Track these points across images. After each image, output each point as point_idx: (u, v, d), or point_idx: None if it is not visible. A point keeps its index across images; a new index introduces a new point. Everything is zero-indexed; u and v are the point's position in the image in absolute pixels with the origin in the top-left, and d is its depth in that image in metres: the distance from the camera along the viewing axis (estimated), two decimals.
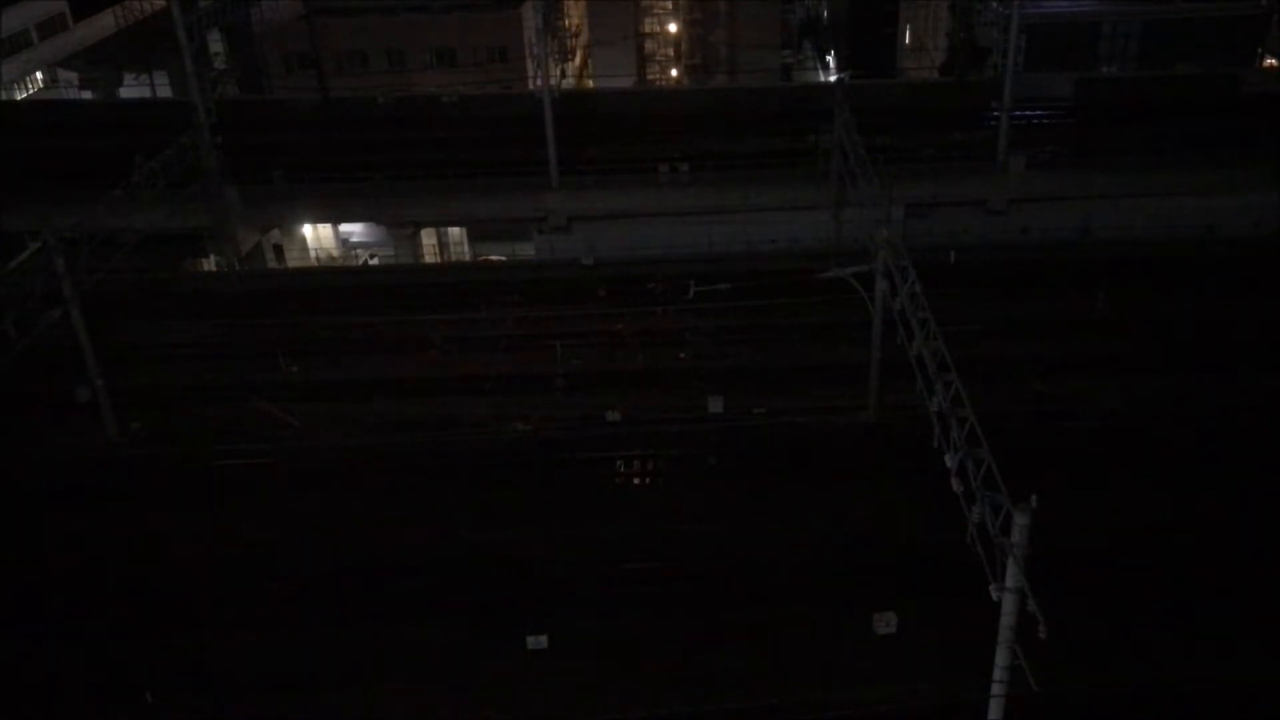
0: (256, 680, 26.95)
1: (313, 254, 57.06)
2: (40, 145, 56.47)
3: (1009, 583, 19.48)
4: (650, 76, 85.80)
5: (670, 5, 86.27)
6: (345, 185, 51.68)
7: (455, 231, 59.86)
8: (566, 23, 79.16)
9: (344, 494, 33.84)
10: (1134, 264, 46.49)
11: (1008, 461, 21.42)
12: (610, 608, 28.62)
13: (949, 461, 22.38)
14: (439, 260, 59.25)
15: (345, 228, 57.95)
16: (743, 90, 70.23)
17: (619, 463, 35.82)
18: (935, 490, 23.31)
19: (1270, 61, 65.68)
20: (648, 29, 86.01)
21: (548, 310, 44.74)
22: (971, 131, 54.64)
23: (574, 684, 26.44)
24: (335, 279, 51.69)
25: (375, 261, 57.42)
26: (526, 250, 53.74)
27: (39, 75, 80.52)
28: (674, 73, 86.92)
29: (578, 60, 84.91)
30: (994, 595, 19.78)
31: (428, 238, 58.53)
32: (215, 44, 66.80)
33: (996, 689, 20.83)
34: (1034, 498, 18.77)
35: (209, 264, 54.49)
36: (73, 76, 77.26)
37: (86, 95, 74.75)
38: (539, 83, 53.36)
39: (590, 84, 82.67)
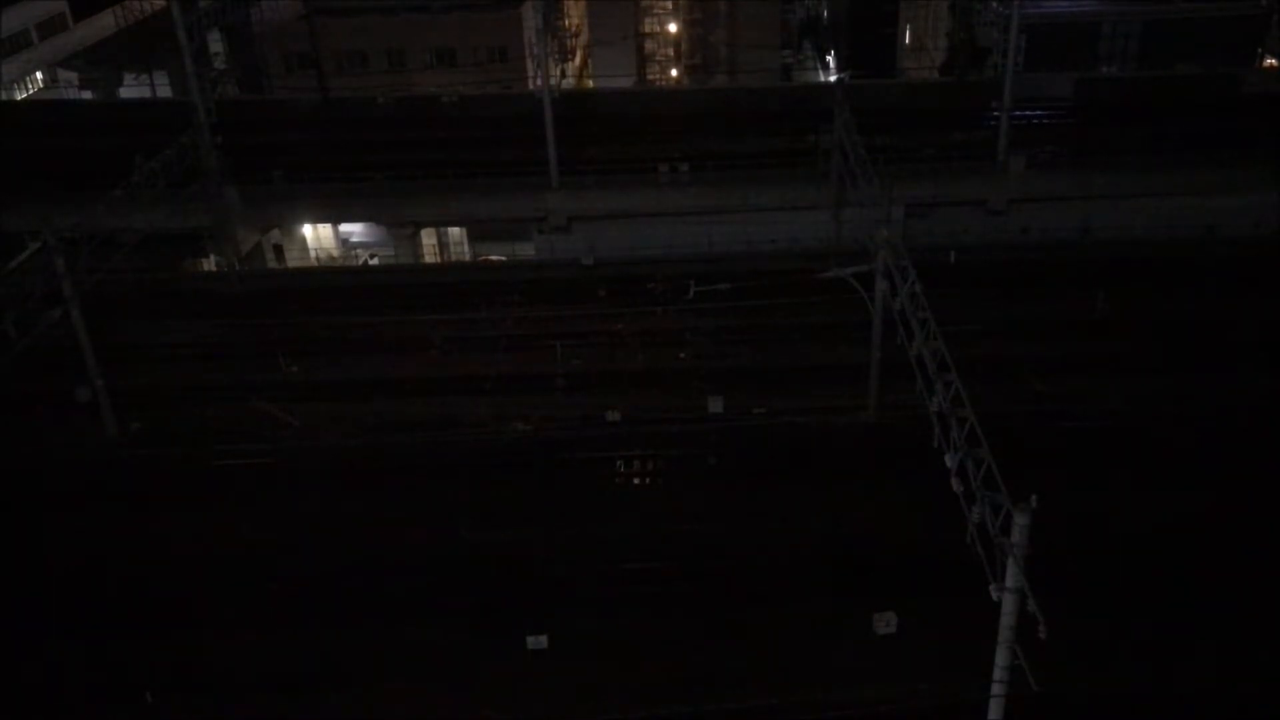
0: (256, 680, 26.95)
1: (313, 254, 57.06)
2: (40, 145, 56.46)
3: (1009, 583, 19.48)
4: (650, 76, 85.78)
5: (670, 5, 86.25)
6: (345, 185, 51.68)
7: (455, 231, 59.86)
8: (566, 23, 79.16)
9: (344, 494, 33.84)
10: (1134, 264, 46.51)
11: (1008, 461, 21.42)
12: (610, 608, 28.63)
13: (949, 461, 22.39)
14: (439, 260, 59.26)
15: (345, 228, 57.96)
16: (743, 90, 70.20)
17: (619, 463, 35.82)
18: (935, 490, 23.31)
19: (1270, 61, 65.68)
20: (648, 29, 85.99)
21: (548, 310, 44.74)
22: (971, 131, 54.63)
23: (574, 684, 26.44)
24: (335, 279, 51.70)
25: (375, 261, 57.43)
26: (526, 250, 53.74)
27: (39, 75, 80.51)
28: (674, 73, 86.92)
29: (578, 60, 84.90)
30: (994, 595, 19.79)
31: (428, 238, 58.52)
32: (215, 44, 66.78)
33: (996, 689, 20.84)
34: (1034, 498, 18.77)
35: (209, 264, 54.49)
36: (73, 76, 77.24)
37: (86, 95, 74.74)
38: (539, 83, 53.35)
39: (590, 84, 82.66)
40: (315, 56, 64.41)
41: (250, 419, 37.74)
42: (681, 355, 41.67)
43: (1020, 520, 18.79)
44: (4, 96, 73.00)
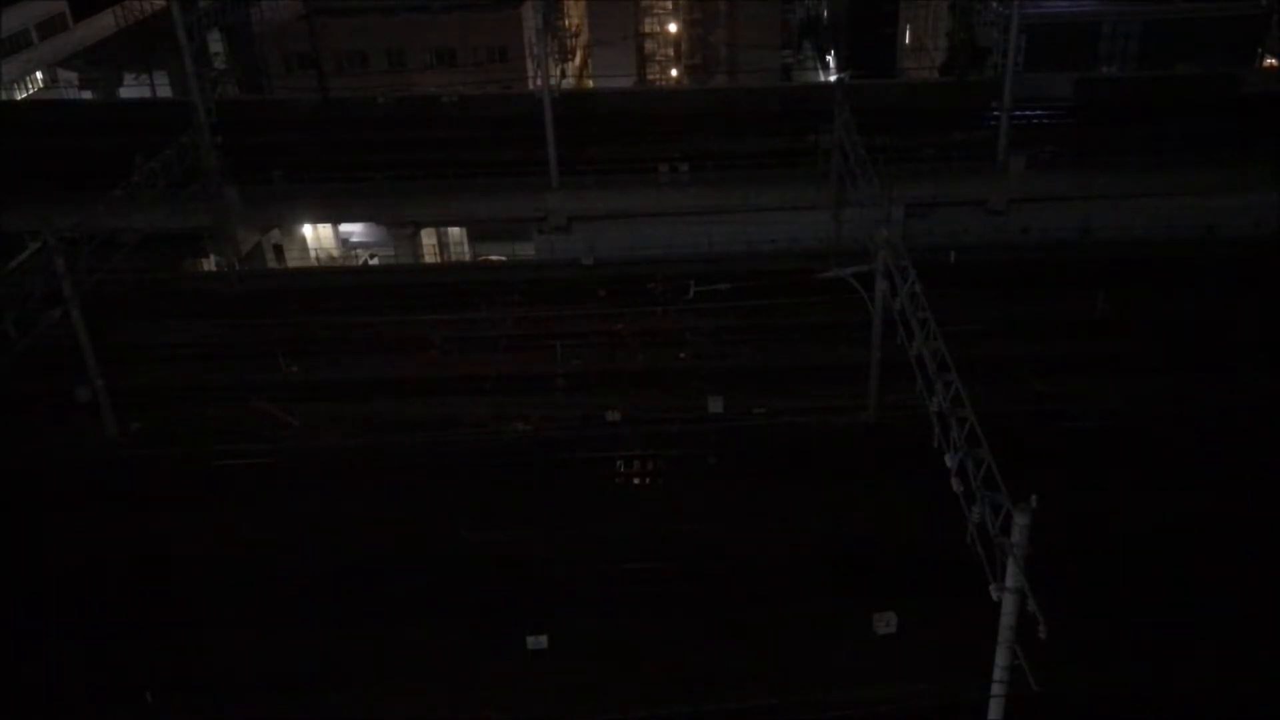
0: (256, 680, 26.95)
1: (313, 254, 57.06)
2: (40, 145, 56.46)
3: (1009, 583, 19.48)
4: (650, 76, 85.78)
5: (670, 5, 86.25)
6: (345, 185, 51.68)
7: (455, 231, 59.86)
8: (566, 23, 79.16)
9: (344, 494, 33.84)
10: (1134, 264, 46.51)
11: (1008, 461, 21.42)
12: (610, 608, 28.63)
13: (949, 461, 22.39)
14: (439, 260, 59.26)
15: (345, 228, 57.96)
16: (743, 90, 70.19)
17: (619, 463, 35.82)
18: (935, 490, 23.31)
19: (1270, 61, 65.68)
20: (648, 29, 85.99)
21: (548, 310, 44.75)
22: (971, 131, 54.64)
23: (574, 684, 26.44)
24: (335, 279, 51.71)
25: (375, 261, 57.43)
26: (526, 250, 53.74)
27: (39, 75, 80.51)
28: (674, 73, 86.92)
29: (578, 60, 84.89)
30: (994, 595, 19.79)
31: (428, 238, 58.52)
32: (215, 44, 66.79)
33: (996, 689, 20.84)
34: (1034, 498, 18.77)
35: (209, 264, 54.50)
36: (73, 76, 77.24)
37: (86, 95, 74.74)
38: (539, 83, 53.36)
39: (590, 84, 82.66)
40: (315, 56, 64.42)
41: (250, 419, 37.74)
42: (681, 355, 41.67)
43: (1020, 520, 18.80)
44: (4, 96, 73.00)
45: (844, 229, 47.85)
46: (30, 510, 33.01)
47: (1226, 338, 40.25)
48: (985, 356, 34.92)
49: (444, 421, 37.14)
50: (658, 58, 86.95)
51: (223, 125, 49.53)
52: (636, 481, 35.82)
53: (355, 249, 58.83)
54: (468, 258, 59.72)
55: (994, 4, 62.10)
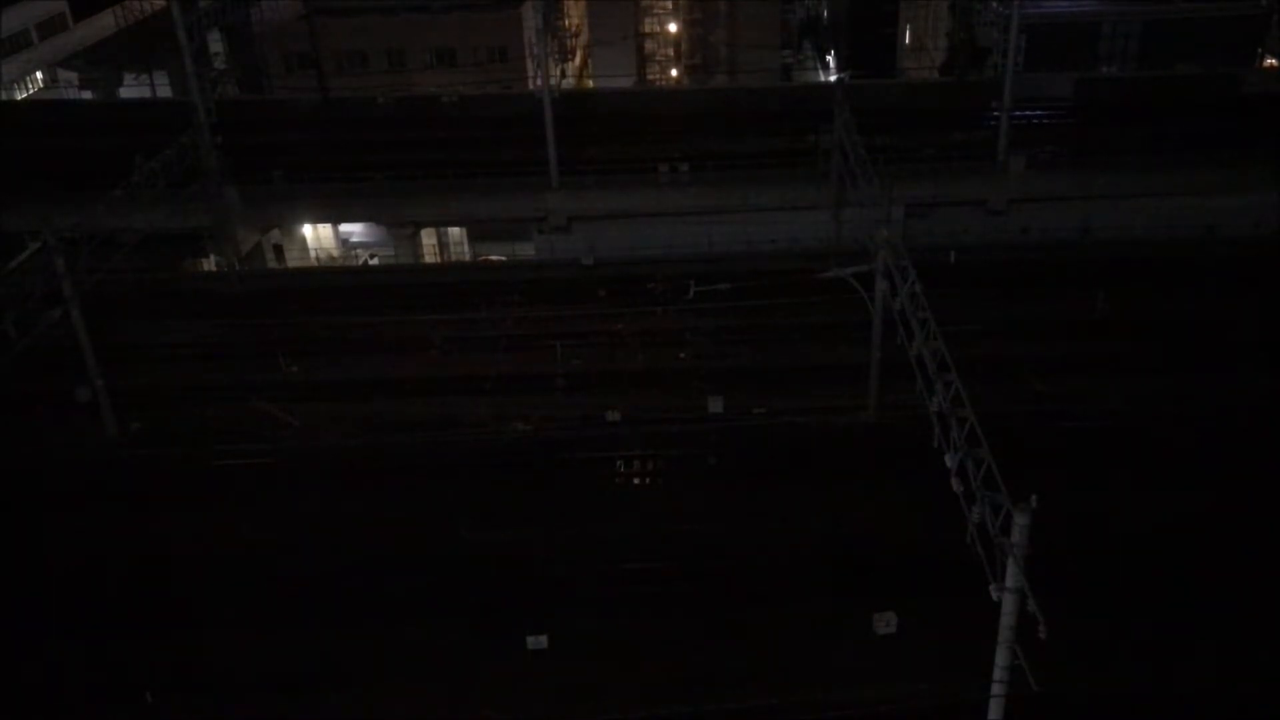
0: (256, 680, 26.95)
1: (313, 254, 57.07)
2: (40, 145, 56.46)
3: (1009, 583, 19.48)
4: (650, 76, 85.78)
5: (670, 5, 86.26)
6: (345, 185, 51.68)
7: (455, 231, 59.86)
8: (566, 23, 79.16)
9: (344, 494, 33.84)
10: (1134, 264, 46.51)
11: (1008, 461, 21.42)
12: (610, 608, 28.63)
13: (949, 461, 22.39)
14: (439, 260, 59.25)
15: (345, 228, 57.96)
16: (743, 90, 70.19)
17: (619, 463, 35.82)
18: (935, 490, 23.31)
19: (1270, 61, 65.68)
20: (648, 29, 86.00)
21: (548, 310, 44.75)
22: (971, 131, 54.63)
23: (574, 684, 26.44)
24: (335, 279, 51.71)
25: (375, 261, 57.43)
26: (526, 250, 53.74)
27: (39, 75, 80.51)
28: (674, 73, 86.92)
29: (578, 60, 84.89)
30: (994, 595, 19.79)
31: (428, 238, 58.52)
32: (215, 44, 66.81)
33: (996, 689, 20.84)
34: (1034, 498, 18.77)
35: (209, 264, 54.50)
36: (73, 76, 77.25)
37: (86, 95, 74.75)
38: (539, 83, 53.35)
39: (590, 84, 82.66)
40: (315, 56, 64.42)
41: (250, 419, 37.74)
42: (681, 355, 41.67)
43: (1020, 520, 18.80)
44: (4, 96, 73.00)
45: (844, 229, 47.86)
46: (30, 510, 33.01)
47: (1226, 338, 40.25)
48: (985, 356, 34.92)
49: (444, 421, 37.15)
50: (658, 58, 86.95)
51: (223, 125, 49.52)
52: (636, 481, 35.82)
53: (355, 249, 58.83)
54: (468, 258, 59.71)
55: (994, 4, 62.10)
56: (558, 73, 72.17)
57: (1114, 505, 31.10)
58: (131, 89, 73.35)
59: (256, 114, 61.75)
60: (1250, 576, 28.28)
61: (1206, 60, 60.24)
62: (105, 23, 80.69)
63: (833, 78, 79.02)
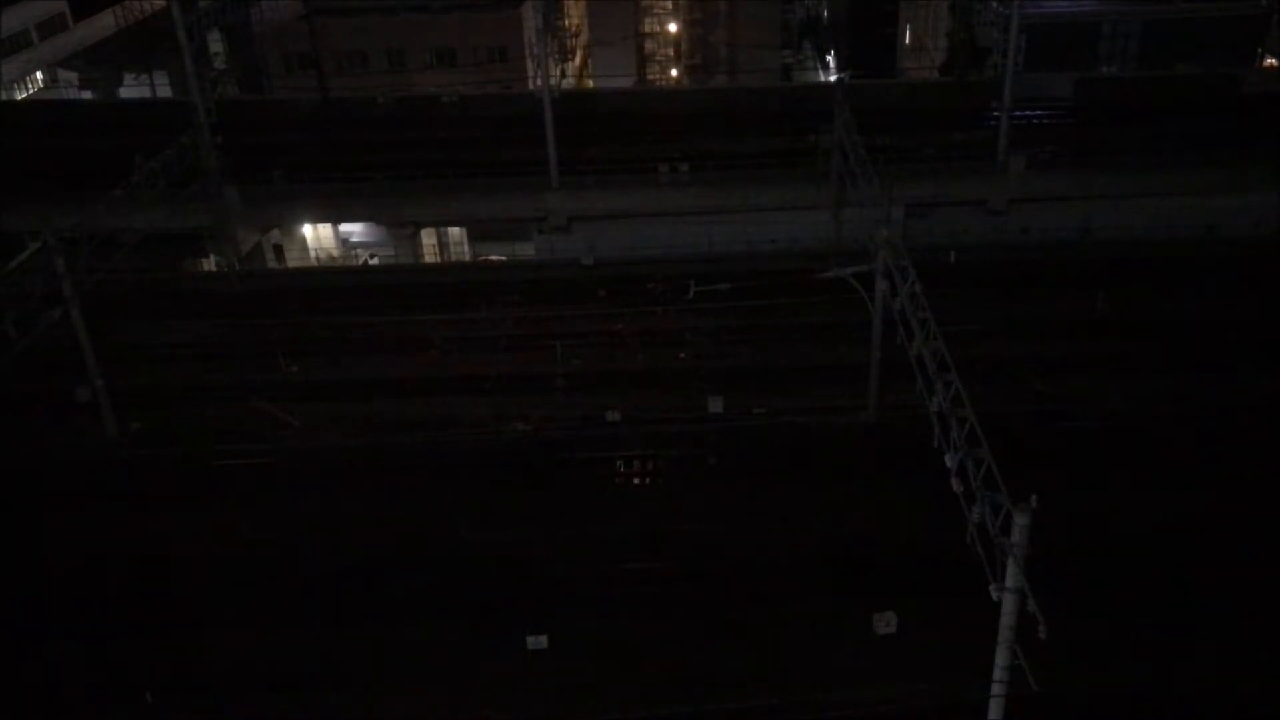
0: (256, 680, 26.95)
1: (313, 254, 57.07)
2: (40, 145, 56.46)
3: (1009, 583, 19.48)
4: (650, 76, 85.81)
5: (670, 5, 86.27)
6: (345, 185, 51.68)
7: (455, 231, 59.86)
8: (566, 23, 79.17)
9: (344, 494, 33.83)
10: (1134, 264, 46.51)
11: (1008, 461, 21.42)
12: (610, 608, 28.62)
13: (949, 461, 22.38)
14: (439, 260, 59.26)
15: (345, 228, 57.95)
16: (743, 90, 70.21)
17: (619, 463, 35.82)
18: (935, 490, 23.31)
19: (1270, 61, 65.68)
20: (648, 29, 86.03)
21: (548, 310, 44.75)
22: (971, 131, 54.63)
23: (574, 684, 26.45)
24: (335, 279, 51.71)
25: (375, 261, 57.43)
26: (526, 250, 53.74)
27: (39, 75, 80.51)
28: (674, 73, 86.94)
29: (578, 60, 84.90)
30: (994, 595, 19.79)
31: (428, 238, 58.52)
32: (215, 44, 66.81)
33: (996, 689, 20.84)
34: (1034, 498, 18.77)
35: (209, 264, 54.50)
36: (73, 76, 77.26)
37: (86, 95, 74.75)
38: (539, 83, 53.35)
39: (590, 84, 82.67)
40: (315, 56, 64.42)
41: (250, 419, 37.74)
42: (681, 355, 41.67)
43: (1020, 520, 18.79)
44: (4, 96, 73.00)
45: (844, 229, 47.85)
46: (30, 510, 33.01)
47: (1226, 338, 40.23)
48: (985, 356, 34.92)
49: (444, 421, 37.14)
50: (658, 58, 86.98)
51: (223, 125, 49.52)
52: (636, 481, 35.82)
53: (355, 249, 58.83)
54: (468, 258, 59.71)
55: (994, 4, 62.11)
56: (558, 73, 72.18)
57: (1114, 505, 31.10)
58: (131, 89, 73.35)
59: (256, 114, 61.75)
60: (1250, 576, 28.28)
61: (1206, 60, 60.23)
62: (105, 23, 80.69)
63: (833, 78, 79.02)
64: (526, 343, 42.25)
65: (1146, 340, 40.46)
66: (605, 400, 37.70)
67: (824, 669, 26.41)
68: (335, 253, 58.42)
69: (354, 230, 58.03)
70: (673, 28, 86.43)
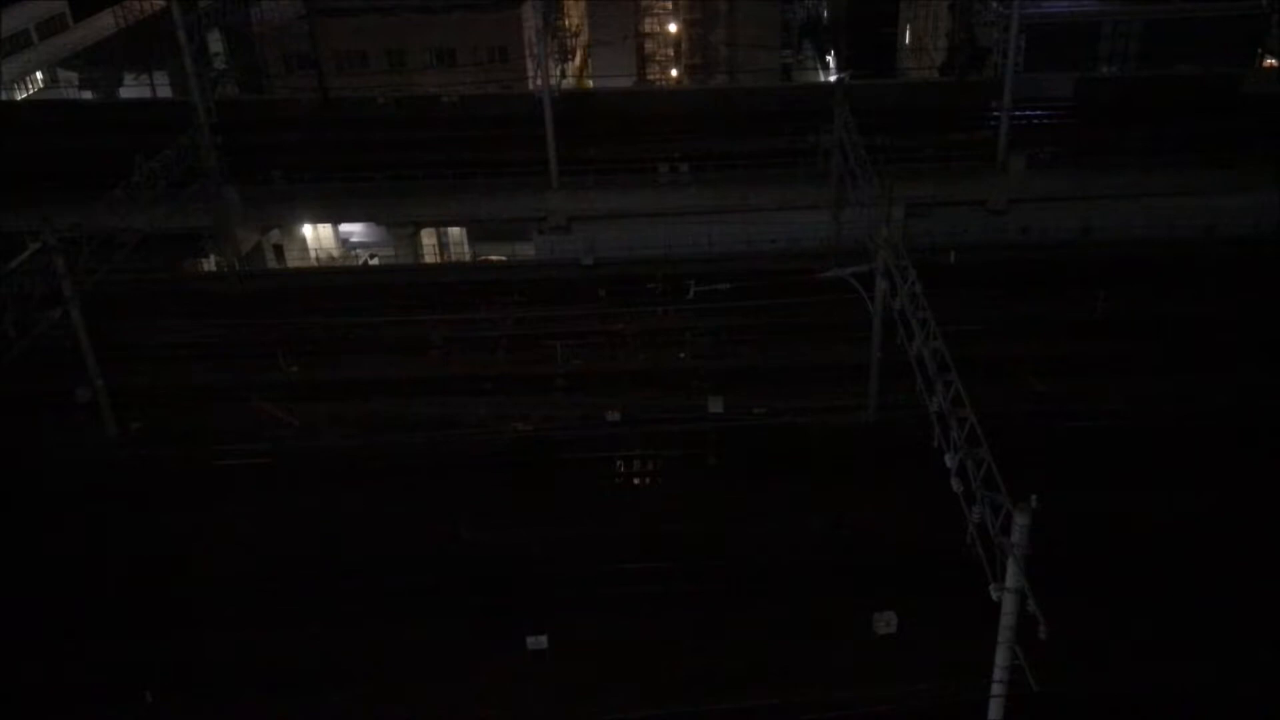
0: (256, 680, 26.96)
1: (313, 254, 57.07)
2: (40, 145, 56.47)
3: (1009, 583, 19.48)
4: (650, 76, 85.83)
5: (670, 5, 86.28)
6: (345, 185, 51.68)
7: (455, 231, 59.88)
8: (566, 23, 79.22)
9: (344, 494, 33.84)
10: (1134, 264, 46.49)
11: (1008, 461, 21.42)
12: (610, 608, 28.61)
13: (949, 461, 22.39)
14: (439, 260, 59.25)
15: (345, 228, 57.97)
16: (743, 90, 70.26)
17: (619, 463, 35.83)
18: (935, 490, 23.31)
19: (1270, 61, 65.66)
20: (648, 29, 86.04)
21: (548, 310, 44.74)
22: (971, 131, 54.65)
23: (574, 684, 26.45)
24: (335, 279, 51.68)
25: (375, 261, 57.43)
26: (526, 250, 53.74)
27: (39, 75, 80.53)
28: (674, 73, 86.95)
29: (578, 60, 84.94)
30: (994, 595, 19.79)
31: (428, 238, 58.54)
32: (215, 44, 66.80)
33: (996, 689, 20.84)
34: (1034, 498, 18.77)
35: (209, 264, 54.50)
36: (73, 76, 77.30)
37: (86, 95, 74.77)
38: (539, 83, 53.37)
39: (590, 84, 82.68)
40: (315, 56, 64.43)
41: (250, 419, 37.73)
42: (681, 355, 41.65)
43: (1020, 520, 18.80)
44: (4, 96, 73.00)
45: (844, 229, 47.80)
46: (30, 510, 33.01)
47: (1226, 338, 40.23)
48: (985, 356, 34.91)
49: (444, 421, 37.13)
50: (658, 58, 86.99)
51: (223, 125, 49.54)
52: (636, 481, 35.83)
53: (355, 249, 58.84)
54: (468, 258, 59.71)
55: (994, 4, 62.11)
56: (558, 73, 72.20)
57: (1114, 505, 31.08)
58: (131, 89, 73.41)
59: (256, 114, 61.77)
60: (1250, 576, 28.29)
61: (1206, 60, 60.23)
62: (105, 23, 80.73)
63: (833, 78, 79.05)
64: (526, 343, 42.24)
65: (1146, 340, 40.46)
66: (605, 400, 37.68)
67: (824, 669, 26.41)
68: (335, 253, 58.43)
69: (354, 230, 58.04)
70: (673, 28, 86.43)
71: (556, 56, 72.14)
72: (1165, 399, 36.37)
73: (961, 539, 21.04)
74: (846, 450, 34.60)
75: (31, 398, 37.74)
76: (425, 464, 34.93)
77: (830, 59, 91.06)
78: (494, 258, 57.92)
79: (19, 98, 76.49)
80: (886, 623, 27.21)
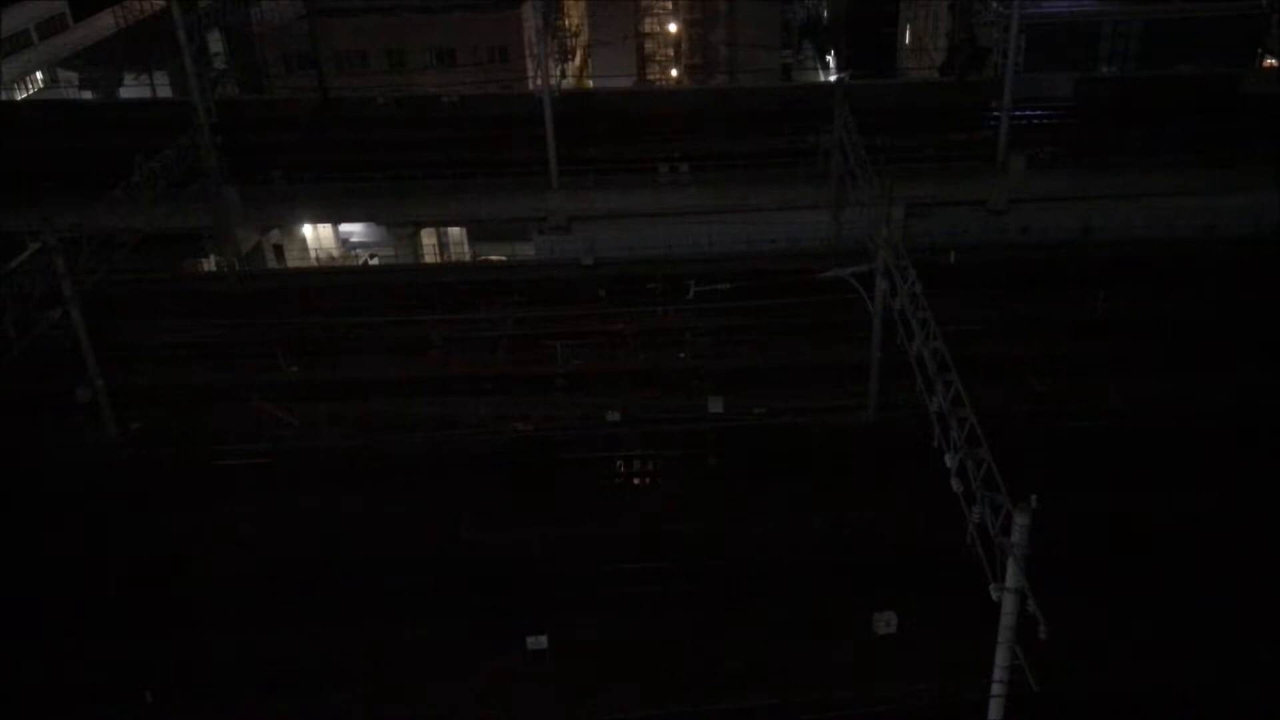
0: (256, 680, 26.97)
1: (313, 254, 57.07)
2: (40, 145, 56.47)
3: (1009, 583, 19.49)
4: (650, 76, 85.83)
5: (670, 5, 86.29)
6: (345, 185, 51.69)
7: (455, 231, 59.87)
8: (566, 23, 79.21)
9: (344, 494, 33.84)
10: (1134, 264, 46.49)
11: (1008, 461, 21.42)
12: (610, 608, 28.61)
13: (949, 461, 22.39)
14: (439, 260, 59.25)
15: (345, 228, 57.96)
16: (743, 90, 70.26)
17: (619, 463, 35.83)
18: (935, 490, 23.31)
19: (1270, 61, 65.67)
20: (648, 29, 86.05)
21: (548, 310, 44.74)
22: (971, 131, 54.65)
23: (574, 684, 26.45)
24: (335, 279, 51.68)
25: (375, 261, 57.43)
26: (526, 250, 53.73)
27: (39, 75, 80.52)
28: (674, 73, 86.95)
29: (578, 60, 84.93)
30: (994, 595, 19.79)
31: (428, 238, 58.53)
32: (215, 44, 66.81)
33: (996, 689, 20.84)
34: (1034, 498, 18.77)
35: (209, 264, 54.50)
36: (73, 76, 77.30)
37: (86, 95, 74.76)
38: (539, 83, 53.37)
39: (590, 84, 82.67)
40: (315, 56, 64.44)
41: (250, 419, 37.73)
42: (681, 355, 41.65)
43: (1020, 520, 18.80)
44: (4, 96, 73.00)
45: (844, 229, 47.80)
46: (30, 510, 33.01)
47: (1226, 338, 40.24)
48: (985, 356, 34.92)
49: (444, 421, 37.13)
50: (658, 58, 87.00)
51: (223, 125, 49.53)
52: (636, 481, 35.84)
53: (355, 249, 58.83)
54: (468, 258, 59.71)
55: (994, 4, 62.11)
56: (558, 73, 72.19)
57: (1114, 505, 31.08)
58: (131, 89, 73.40)
59: (256, 114, 61.78)
60: (1250, 576, 28.29)
61: (1206, 60, 60.23)
62: (105, 23, 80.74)
63: (833, 78, 79.04)
64: (526, 343, 42.24)
65: (1146, 340, 40.45)
66: (605, 400, 37.68)
67: (824, 669, 26.41)
68: (335, 253, 58.42)
69: (354, 230, 58.03)
70: (673, 28, 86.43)
71: (556, 56, 72.15)
72: (1165, 399, 36.38)
73: (961, 539, 21.05)
74: (846, 450, 34.60)
75: (31, 398, 37.73)
76: (425, 464, 34.93)
77: (830, 59, 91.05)
78: (494, 258, 57.92)
79: (19, 98, 76.48)
80: (886, 623, 27.21)
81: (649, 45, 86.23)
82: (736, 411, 36.85)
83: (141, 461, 35.80)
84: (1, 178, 49.46)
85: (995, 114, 52.59)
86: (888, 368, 33.86)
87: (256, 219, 52.89)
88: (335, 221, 56.77)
